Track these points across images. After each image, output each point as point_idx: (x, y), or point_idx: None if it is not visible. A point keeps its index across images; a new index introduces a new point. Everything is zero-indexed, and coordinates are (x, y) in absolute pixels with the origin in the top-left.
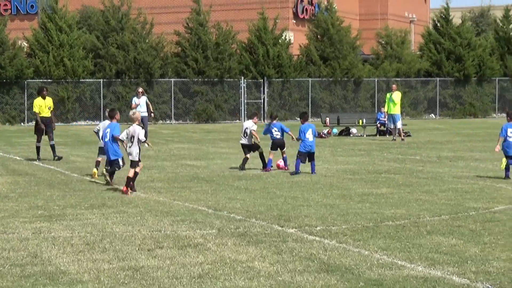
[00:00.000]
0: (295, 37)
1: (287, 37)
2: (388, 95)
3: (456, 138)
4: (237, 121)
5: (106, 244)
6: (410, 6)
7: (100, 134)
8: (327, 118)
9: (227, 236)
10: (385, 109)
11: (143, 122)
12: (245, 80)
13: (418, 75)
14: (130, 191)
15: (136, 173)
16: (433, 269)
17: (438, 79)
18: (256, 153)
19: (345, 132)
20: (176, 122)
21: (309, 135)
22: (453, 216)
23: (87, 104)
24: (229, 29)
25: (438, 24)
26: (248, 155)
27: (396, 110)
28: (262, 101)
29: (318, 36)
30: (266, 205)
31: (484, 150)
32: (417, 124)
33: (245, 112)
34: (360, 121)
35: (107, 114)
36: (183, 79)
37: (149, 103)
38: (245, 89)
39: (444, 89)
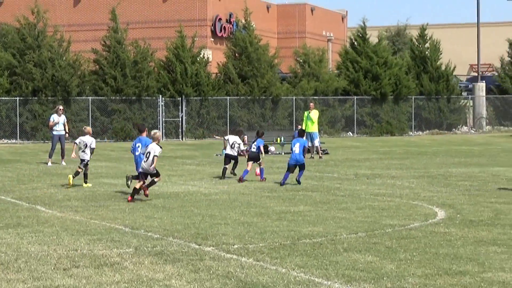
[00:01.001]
0: (214, 55)
1: (205, 55)
2: (306, 113)
3: (373, 156)
4: None
5: (21, 264)
6: (328, 25)
7: (83, 147)
8: (245, 137)
9: (144, 254)
10: (303, 127)
11: (60, 141)
12: (163, 99)
13: (335, 93)
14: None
15: (154, 182)
16: (350, 286)
17: (355, 97)
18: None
19: (264, 151)
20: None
21: (296, 149)
22: (369, 233)
23: (3, 122)
24: (147, 47)
25: (355, 43)
26: (227, 165)
27: (314, 128)
28: (180, 119)
29: (236, 55)
30: (184, 224)
31: (401, 168)
32: (335, 142)
33: (163, 131)
34: (278, 139)
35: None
36: (101, 97)
37: (65, 122)
38: (163, 107)
39: (361, 108)
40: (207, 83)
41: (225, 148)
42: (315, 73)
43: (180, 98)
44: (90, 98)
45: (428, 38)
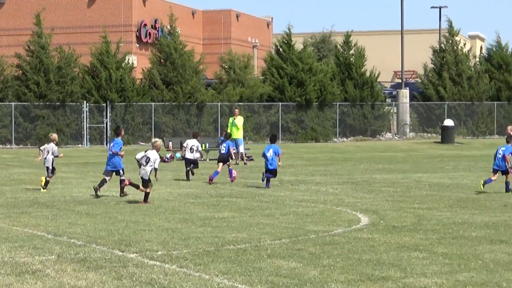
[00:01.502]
0: (139, 61)
1: (130, 61)
2: (231, 119)
3: (298, 162)
4: (80, 145)
5: None
6: (253, 31)
7: (45, 154)
8: (170, 143)
9: (66, 262)
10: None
11: None
12: (87, 104)
13: (261, 99)
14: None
15: (146, 193)
16: None
17: (280, 103)
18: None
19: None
20: (17, 146)
21: (269, 154)
22: (293, 240)
23: None
24: (71, 53)
25: (281, 49)
26: (189, 168)
27: (239, 134)
28: (105, 125)
29: (161, 60)
30: (107, 230)
31: (325, 174)
32: (260, 148)
33: (88, 137)
34: (203, 145)
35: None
36: (24, 103)
37: None
38: (88, 113)
39: (286, 114)
40: (132, 89)
41: (183, 153)
42: (240, 79)
43: (104, 104)
44: (13, 103)
45: (352, 45)
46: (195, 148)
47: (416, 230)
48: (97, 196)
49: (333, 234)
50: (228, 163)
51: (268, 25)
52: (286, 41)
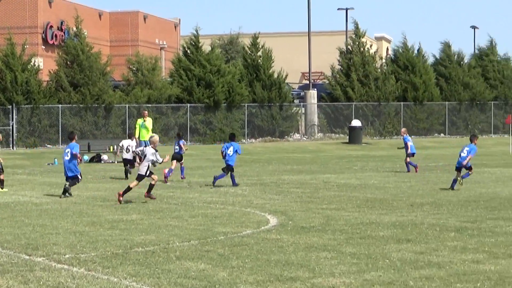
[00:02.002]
0: (45, 63)
1: (36, 63)
2: (139, 121)
3: (206, 164)
4: None
5: None
6: (161, 33)
7: None
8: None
9: None
10: (136, 136)
11: None
12: None
13: (169, 101)
14: (121, 198)
15: (151, 185)
16: None
17: (189, 105)
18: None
19: (96, 159)
20: None
21: (230, 151)
22: (202, 241)
23: None
24: None
25: (188, 51)
26: (126, 167)
27: (148, 136)
28: (11, 128)
29: (68, 62)
30: (14, 234)
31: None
32: (168, 150)
33: None
34: (111, 147)
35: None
36: None
37: None
38: None
39: (194, 115)
40: (38, 91)
41: (119, 154)
42: (148, 81)
43: (10, 106)
44: None
45: (260, 46)
46: (130, 148)
47: (324, 230)
48: (64, 196)
49: (242, 235)
50: (182, 161)
51: (175, 27)
52: (193, 43)
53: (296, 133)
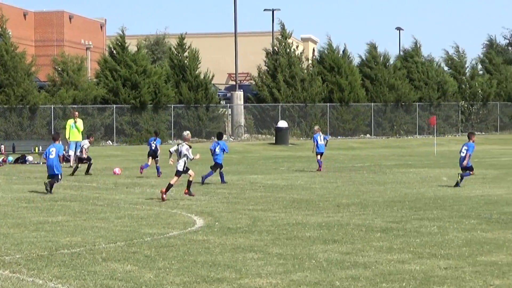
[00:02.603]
0: None
1: None
2: (70, 122)
3: (133, 165)
4: None
5: None
6: (86, 33)
7: None
8: (2, 146)
9: None
10: (67, 136)
11: None
12: None
13: (94, 102)
14: (165, 194)
15: (189, 182)
16: None
17: (115, 106)
18: None
19: (21, 160)
20: None
21: (217, 150)
22: (128, 243)
23: None
24: None
25: (114, 52)
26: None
27: (80, 137)
28: None
29: None
30: None
31: (160, 176)
32: (95, 151)
33: None
34: (36, 148)
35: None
36: None
37: None
38: None
39: (121, 116)
40: None
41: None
42: (74, 82)
43: None
44: None
45: (187, 47)
46: (83, 148)
47: (251, 231)
48: (47, 191)
49: (169, 236)
50: (156, 158)
51: (101, 27)
52: (119, 43)
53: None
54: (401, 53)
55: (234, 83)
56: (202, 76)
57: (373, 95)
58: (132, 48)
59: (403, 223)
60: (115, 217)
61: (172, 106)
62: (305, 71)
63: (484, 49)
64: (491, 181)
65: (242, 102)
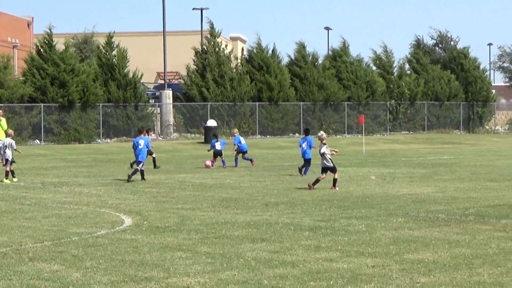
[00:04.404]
0: None
1: None
2: None
3: (61, 164)
4: None
5: None
6: (13, 31)
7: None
8: None
9: None
10: None
11: None
12: None
13: (22, 100)
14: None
15: (317, 179)
16: None
17: (42, 104)
18: None
19: None
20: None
21: (304, 146)
22: (55, 242)
23: None
24: None
25: (42, 50)
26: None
27: (2, 136)
28: None
29: None
30: None
31: (89, 176)
32: (22, 150)
33: None
34: None
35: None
36: None
37: None
38: None
39: (48, 115)
40: None
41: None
42: (0, 80)
43: None
44: None
45: (115, 45)
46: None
47: (179, 230)
48: (129, 181)
49: (96, 236)
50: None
51: (28, 25)
52: (47, 42)
53: (151, 133)
54: (330, 52)
55: (163, 82)
56: (131, 75)
57: (302, 94)
58: (60, 46)
59: (331, 222)
60: (42, 217)
61: (101, 105)
62: (234, 70)
63: (412, 49)
64: (419, 180)
65: (171, 101)
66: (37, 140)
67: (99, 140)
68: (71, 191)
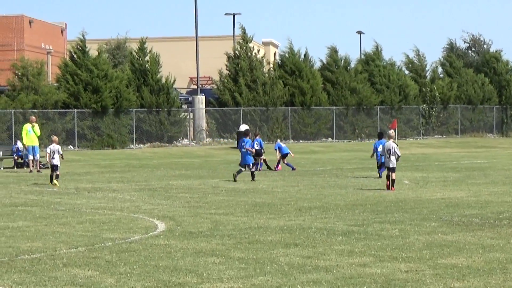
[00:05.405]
0: None
1: None
2: (27, 127)
3: (94, 169)
4: None
5: None
6: (47, 38)
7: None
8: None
9: None
10: (24, 142)
11: None
12: None
13: (55, 106)
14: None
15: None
16: None
17: (75, 110)
18: None
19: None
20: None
21: (380, 149)
22: (89, 248)
23: None
24: None
25: (75, 56)
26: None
27: (36, 141)
28: None
29: None
30: None
31: (122, 181)
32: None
33: None
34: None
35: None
36: None
37: None
38: None
39: (82, 121)
40: None
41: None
42: (34, 86)
43: None
44: None
45: (148, 51)
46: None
47: (212, 235)
48: (235, 180)
49: (130, 241)
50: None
51: (62, 32)
52: (80, 48)
53: (184, 138)
54: (362, 56)
55: (195, 87)
56: (163, 80)
57: (334, 98)
58: (93, 52)
59: (364, 226)
60: (76, 222)
61: (134, 110)
62: (267, 75)
63: (445, 52)
64: (452, 184)
65: (203, 106)
66: (70, 146)
67: (132, 146)
68: (104, 197)
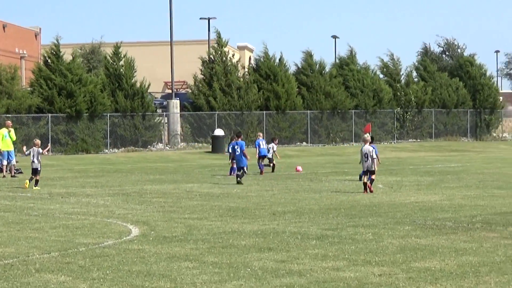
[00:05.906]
0: None
1: None
2: (3, 131)
3: (68, 174)
4: None
5: None
6: (21, 42)
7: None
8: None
9: None
10: (0, 146)
11: None
12: None
13: (29, 111)
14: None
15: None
16: None
17: (50, 115)
18: None
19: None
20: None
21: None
22: (63, 253)
23: None
24: None
25: (49, 60)
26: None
27: (12, 146)
28: None
29: None
30: None
31: (96, 186)
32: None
33: None
34: None
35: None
36: None
37: None
38: None
39: (56, 125)
40: None
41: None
42: (8, 91)
43: None
44: None
45: (122, 55)
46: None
47: (186, 240)
48: (240, 183)
49: (103, 246)
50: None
51: (36, 36)
52: (54, 52)
53: (159, 143)
54: (337, 61)
55: (170, 91)
56: (138, 85)
57: (309, 102)
58: (68, 57)
59: (338, 230)
60: (49, 227)
61: (108, 115)
62: (241, 79)
63: (419, 56)
64: (426, 188)
65: (178, 110)
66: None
67: (107, 150)
68: (78, 202)
